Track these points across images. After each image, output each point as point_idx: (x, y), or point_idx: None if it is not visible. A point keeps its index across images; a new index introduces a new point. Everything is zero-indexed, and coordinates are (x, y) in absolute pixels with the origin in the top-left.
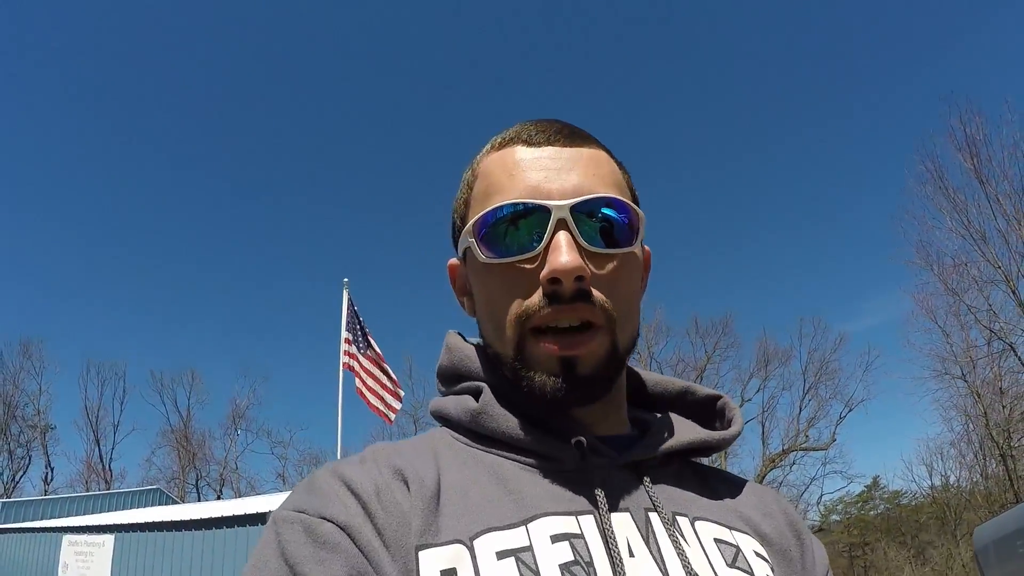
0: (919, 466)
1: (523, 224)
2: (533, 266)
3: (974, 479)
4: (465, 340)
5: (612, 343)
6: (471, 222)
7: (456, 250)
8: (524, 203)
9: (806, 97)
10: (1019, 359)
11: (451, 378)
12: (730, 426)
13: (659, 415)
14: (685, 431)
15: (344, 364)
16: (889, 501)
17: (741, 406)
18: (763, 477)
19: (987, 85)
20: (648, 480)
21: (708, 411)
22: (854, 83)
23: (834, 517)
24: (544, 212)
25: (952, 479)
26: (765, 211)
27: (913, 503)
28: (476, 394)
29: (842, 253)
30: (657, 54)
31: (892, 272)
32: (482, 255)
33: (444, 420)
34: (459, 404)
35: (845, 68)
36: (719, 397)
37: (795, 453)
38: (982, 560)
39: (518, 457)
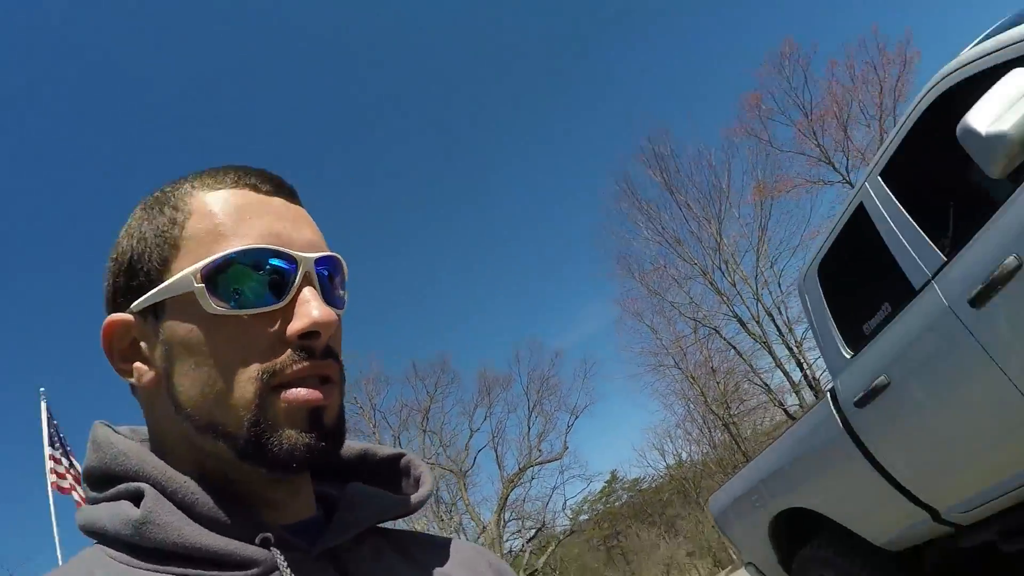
0: (651, 451)
1: (264, 274)
2: (275, 320)
3: (704, 450)
4: (115, 431)
5: (342, 400)
6: (195, 267)
7: (118, 303)
8: (276, 250)
9: (498, 129)
10: (724, 339)
11: (102, 480)
12: (419, 485)
13: (344, 487)
14: (373, 502)
15: (52, 484)
16: (630, 489)
17: (471, 437)
18: (506, 498)
19: (672, 101)
20: (347, 567)
21: (393, 471)
22: (544, 114)
23: (583, 517)
24: (292, 263)
25: (684, 456)
26: (469, 247)
27: (653, 485)
28: (135, 498)
29: (549, 275)
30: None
31: (599, 285)
32: (213, 305)
33: (98, 536)
34: (115, 514)
35: (534, 97)
36: (401, 455)
37: (532, 468)
38: (722, 525)
39: (196, 572)
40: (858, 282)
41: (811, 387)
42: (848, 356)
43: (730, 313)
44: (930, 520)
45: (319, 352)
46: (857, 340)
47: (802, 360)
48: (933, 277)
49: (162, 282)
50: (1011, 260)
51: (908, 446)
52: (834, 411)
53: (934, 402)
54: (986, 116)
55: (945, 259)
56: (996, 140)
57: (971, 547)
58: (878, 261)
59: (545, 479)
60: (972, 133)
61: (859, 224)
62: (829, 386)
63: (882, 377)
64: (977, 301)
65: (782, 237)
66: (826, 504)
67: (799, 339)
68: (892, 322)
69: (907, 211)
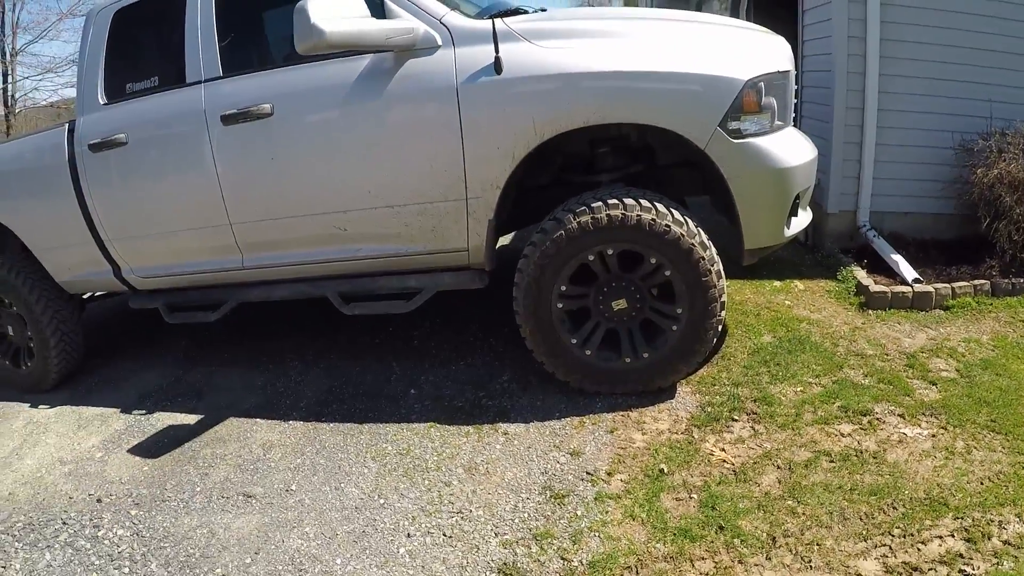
0: None
1: None
2: None
3: None
4: None
5: None
6: None
7: None
8: None
9: None
10: None
11: None
12: None
13: None
14: None
15: None
16: None
17: None
18: None
19: None
20: None
21: None
22: None
23: None
24: None
25: None
26: None
27: None
28: None
29: None
30: None
31: None
32: None
33: None
34: None
35: None
36: None
37: None
38: None
39: None
40: (145, 45)
41: (4, 104)
42: (103, 102)
43: None
44: (111, 274)
45: None
46: (117, 92)
47: (9, 72)
48: (205, 82)
49: None
50: (266, 106)
51: (119, 204)
52: (66, 143)
53: (156, 178)
54: (321, 9)
55: (222, 75)
56: (316, 31)
57: None
58: (172, 40)
59: None
60: (304, 14)
61: (176, 0)
62: (72, 119)
63: (122, 135)
64: (228, 120)
65: None
66: (20, 224)
67: (17, 49)
68: (153, 94)
69: (217, 18)
